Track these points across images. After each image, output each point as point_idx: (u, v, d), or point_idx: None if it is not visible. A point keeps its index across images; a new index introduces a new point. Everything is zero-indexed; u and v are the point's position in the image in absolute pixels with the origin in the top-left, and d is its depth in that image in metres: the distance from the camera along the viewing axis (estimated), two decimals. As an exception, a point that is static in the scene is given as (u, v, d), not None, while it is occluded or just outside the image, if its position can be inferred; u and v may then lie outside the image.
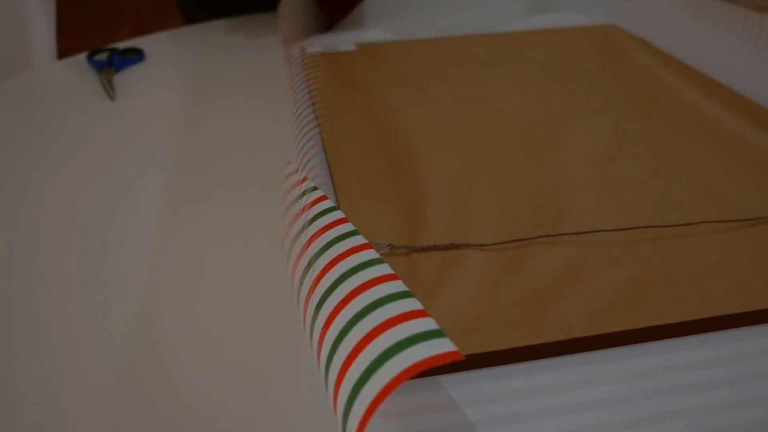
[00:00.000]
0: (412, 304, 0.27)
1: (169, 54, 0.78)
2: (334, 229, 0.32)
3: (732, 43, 0.75)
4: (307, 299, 0.30)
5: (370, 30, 0.84)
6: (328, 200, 0.35)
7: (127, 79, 0.71)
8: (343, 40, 0.81)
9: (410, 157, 0.50)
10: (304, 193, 0.36)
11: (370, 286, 0.28)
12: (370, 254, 0.30)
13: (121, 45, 0.80)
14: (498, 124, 0.55)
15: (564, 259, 0.38)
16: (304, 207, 0.35)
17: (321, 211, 0.34)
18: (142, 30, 1.89)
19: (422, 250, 0.39)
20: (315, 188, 0.36)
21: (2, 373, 0.33)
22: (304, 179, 0.37)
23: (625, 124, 0.55)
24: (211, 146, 0.55)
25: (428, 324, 0.26)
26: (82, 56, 0.77)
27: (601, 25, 0.83)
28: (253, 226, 0.44)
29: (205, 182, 0.49)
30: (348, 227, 0.32)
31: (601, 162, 0.49)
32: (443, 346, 0.25)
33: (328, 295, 0.29)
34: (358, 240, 0.31)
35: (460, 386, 0.31)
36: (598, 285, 0.36)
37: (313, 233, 0.33)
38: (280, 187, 0.48)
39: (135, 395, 0.31)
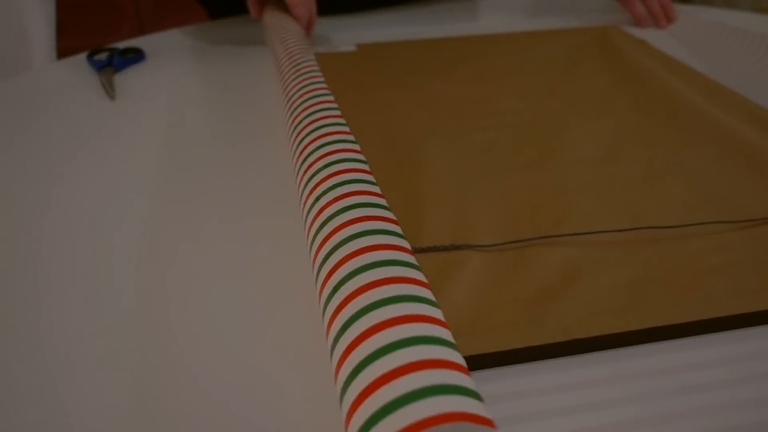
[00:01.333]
0: (454, 355, 0.26)
1: (169, 54, 0.78)
2: (381, 252, 0.31)
3: (732, 44, 0.75)
4: (334, 314, 0.29)
5: (370, 30, 0.84)
6: (388, 222, 0.33)
7: (127, 79, 0.71)
8: (343, 40, 0.81)
9: (410, 157, 0.50)
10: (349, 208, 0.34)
11: (412, 321, 0.26)
12: (420, 290, 0.29)
13: (121, 45, 0.80)
14: (498, 124, 0.55)
15: (564, 260, 0.38)
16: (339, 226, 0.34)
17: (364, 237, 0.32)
18: (142, 30, 1.89)
19: (422, 251, 0.39)
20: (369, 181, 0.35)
21: (4, 371, 0.33)
22: (352, 170, 0.36)
23: (625, 124, 0.55)
24: (211, 146, 0.55)
25: (469, 381, 0.25)
26: (82, 56, 0.77)
27: (601, 25, 0.83)
28: (254, 224, 0.44)
29: (205, 182, 0.49)
30: (401, 255, 0.31)
31: (601, 162, 0.49)
32: (477, 408, 0.23)
33: (354, 320, 0.27)
34: (412, 273, 0.30)
35: (460, 387, 0.31)
36: (599, 286, 0.36)
37: (352, 251, 0.31)
38: (282, 185, 0.48)
39: (137, 396, 0.31)
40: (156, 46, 0.80)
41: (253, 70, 0.72)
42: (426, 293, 0.29)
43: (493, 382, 0.31)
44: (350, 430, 0.24)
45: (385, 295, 0.28)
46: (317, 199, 0.36)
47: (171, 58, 0.77)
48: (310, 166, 0.40)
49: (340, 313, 0.28)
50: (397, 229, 0.33)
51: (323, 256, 0.32)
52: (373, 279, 0.29)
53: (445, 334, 0.27)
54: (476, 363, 0.32)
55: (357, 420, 0.24)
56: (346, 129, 0.44)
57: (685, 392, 0.30)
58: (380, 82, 0.65)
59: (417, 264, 0.31)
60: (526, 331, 0.33)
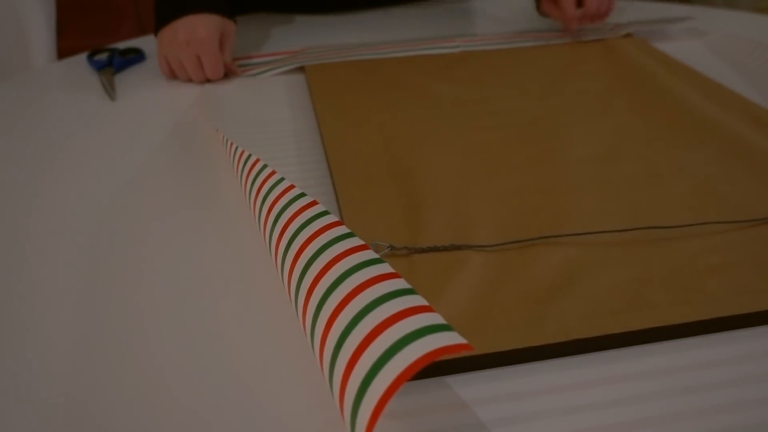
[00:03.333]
0: (417, 300, 0.27)
1: (169, 54, 0.78)
2: (330, 231, 0.32)
3: (731, 45, 0.75)
4: (307, 300, 0.30)
5: (368, 29, 0.84)
6: (320, 204, 0.35)
7: (127, 79, 0.71)
8: (341, 40, 0.81)
9: (410, 158, 0.50)
10: (294, 200, 0.36)
11: (374, 283, 0.28)
12: (370, 254, 0.30)
13: (121, 45, 0.80)
14: (498, 124, 0.55)
15: (564, 260, 0.38)
16: (296, 211, 0.35)
17: (316, 215, 0.34)
18: (142, 30, 1.89)
19: (423, 251, 0.38)
20: (304, 194, 0.36)
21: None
22: (291, 186, 0.37)
23: (625, 124, 0.55)
24: (211, 146, 0.55)
25: (436, 318, 0.26)
26: (82, 56, 0.77)
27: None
28: (253, 225, 0.44)
29: (204, 182, 0.49)
30: (344, 229, 0.32)
31: (602, 162, 0.49)
32: (453, 339, 0.25)
33: (330, 294, 0.28)
34: (357, 241, 0.31)
35: (461, 388, 0.31)
36: (599, 286, 0.36)
37: (308, 236, 0.32)
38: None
39: (120, 404, 0.31)
40: (156, 46, 0.80)
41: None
42: (369, 254, 0.30)
43: (493, 382, 0.31)
44: (347, 395, 0.25)
45: (342, 270, 0.29)
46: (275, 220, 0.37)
47: (171, 58, 0.77)
48: (256, 198, 0.41)
49: (312, 296, 0.29)
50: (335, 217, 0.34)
51: (287, 258, 0.33)
52: (327, 260, 0.30)
53: (400, 284, 0.28)
54: (476, 363, 0.31)
55: (352, 384, 0.25)
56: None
57: (686, 392, 0.30)
58: (380, 83, 0.65)
59: (359, 240, 0.32)
60: (526, 331, 0.33)
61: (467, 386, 0.31)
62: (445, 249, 0.39)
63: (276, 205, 0.37)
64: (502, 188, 0.46)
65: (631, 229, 0.40)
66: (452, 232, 0.41)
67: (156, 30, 0.70)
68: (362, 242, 0.31)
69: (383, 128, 0.55)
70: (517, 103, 0.60)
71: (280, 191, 0.38)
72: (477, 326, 0.33)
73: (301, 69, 0.72)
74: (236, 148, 0.47)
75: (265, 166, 0.41)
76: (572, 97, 0.61)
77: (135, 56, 0.76)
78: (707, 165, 0.48)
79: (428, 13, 0.93)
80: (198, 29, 0.66)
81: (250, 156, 0.44)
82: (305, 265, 0.31)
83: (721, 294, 0.35)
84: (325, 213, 0.34)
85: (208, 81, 0.69)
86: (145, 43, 0.82)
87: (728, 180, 0.46)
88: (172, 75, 0.70)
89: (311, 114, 0.61)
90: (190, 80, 0.69)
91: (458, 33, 0.83)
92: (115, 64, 0.73)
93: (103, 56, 0.75)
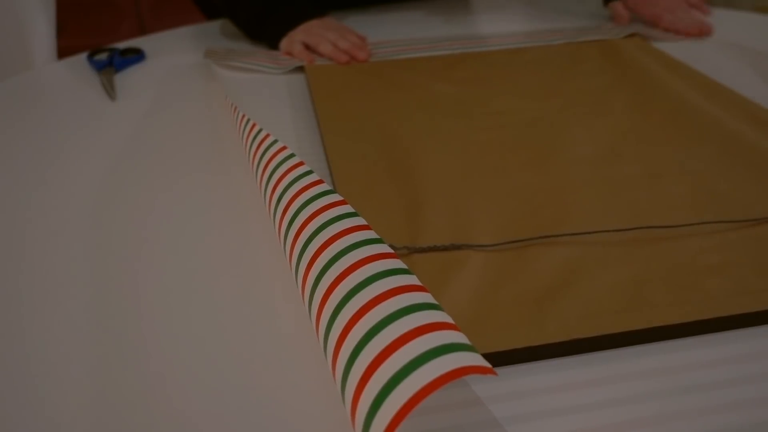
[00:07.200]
0: (439, 316, 0.26)
1: (169, 54, 0.78)
2: (352, 234, 0.31)
3: (731, 46, 0.75)
4: (320, 308, 0.29)
5: (367, 30, 0.84)
6: (347, 204, 0.34)
7: (127, 79, 0.71)
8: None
9: (410, 157, 0.50)
10: (320, 195, 0.35)
11: (393, 295, 0.27)
12: (394, 263, 0.29)
13: (121, 45, 0.80)
14: (498, 124, 0.55)
15: (564, 260, 0.38)
16: (316, 210, 0.34)
17: (339, 215, 0.33)
18: (142, 30, 1.89)
19: (423, 251, 0.39)
20: (332, 191, 0.35)
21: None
22: (319, 181, 0.36)
23: (625, 124, 0.55)
24: (211, 146, 0.55)
25: (455, 336, 0.25)
26: (82, 56, 0.77)
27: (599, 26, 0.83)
28: (254, 225, 0.44)
29: (206, 182, 0.49)
30: (370, 234, 0.31)
31: (601, 162, 0.49)
32: (474, 360, 0.24)
33: (345, 304, 0.28)
34: (381, 248, 0.30)
35: (460, 387, 0.31)
36: (599, 286, 0.36)
37: (329, 237, 0.31)
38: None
39: (120, 400, 0.31)
40: (156, 46, 0.80)
41: (253, 68, 0.72)
42: (397, 263, 0.29)
43: (494, 382, 0.31)
44: (360, 406, 0.24)
45: (364, 276, 0.28)
46: (292, 220, 0.35)
47: (171, 58, 0.77)
48: (275, 190, 0.39)
49: (327, 302, 0.29)
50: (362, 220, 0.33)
51: (303, 261, 0.32)
52: (348, 264, 0.29)
53: (427, 298, 0.27)
54: (476, 363, 0.32)
55: (368, 394, 0.24)
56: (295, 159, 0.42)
57: (685, 392, 0.30)
58: (380, 84, 0.65)
59: (389, 248, 0.31)
60: (527, 331, 0.33)
61: (466, 386, 0.31)
62: (445, 249, 0.39)
63: (294, 202, 0.35)
64: (502, 188, 0.46)
65: (631, 229, 0.40)
66: (452, 231, 0.41)
67: (273, 44, 0.78)
68: (388, 249, 0.30)
69: (383, 128, 0.55)
70: (517, 103, 0.60)
71: (304, 185, 0.36)
72: (477, 326, 0.33)
73: (301, 69, 0.72)
74: (259, 130, 0.46)
75: (291, 155, 0.40)
76: (572, 97, 0.61)
77: (135, 56, 0.76)
78: (707, 165, 0.48)
79: (427, 14, 0.93)
80: (327, 21, 0.77)
81: (275, 142, 0.42)
82: (321, 269, 0.30)
83: (721, 294, 0.35)
84: (352, 214, 0.33)
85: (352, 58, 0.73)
86: (145, 43, 0.82)
87: (728, 180, 0.46)
88: (309, 56, 0.73)
89: (311, 114, 0.61)
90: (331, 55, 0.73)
91: (458, 34, 0.83)
92: (115, 64, 0.73)
93: (103, 56, 0.75)
